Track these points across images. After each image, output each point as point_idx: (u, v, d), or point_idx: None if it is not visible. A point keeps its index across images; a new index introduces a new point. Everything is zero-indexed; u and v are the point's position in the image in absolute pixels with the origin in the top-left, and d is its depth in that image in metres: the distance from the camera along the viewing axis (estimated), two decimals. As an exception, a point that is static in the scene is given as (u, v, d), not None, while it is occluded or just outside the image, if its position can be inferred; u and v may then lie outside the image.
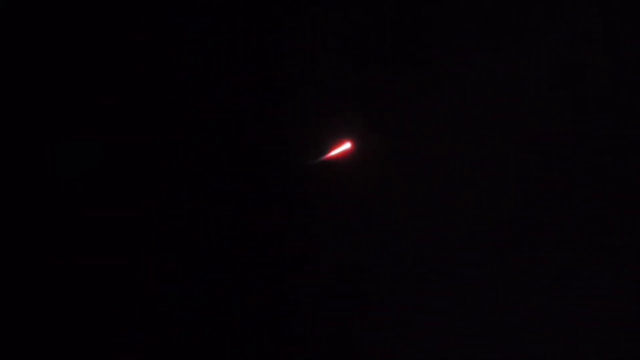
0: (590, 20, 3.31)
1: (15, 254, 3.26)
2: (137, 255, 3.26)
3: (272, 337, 3.24)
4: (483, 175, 3.29)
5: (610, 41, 3.31)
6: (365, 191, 3.30)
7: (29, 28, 3.33)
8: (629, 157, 3.28)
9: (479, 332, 3.23)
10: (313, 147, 3.30)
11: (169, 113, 3.33)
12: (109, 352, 3.22)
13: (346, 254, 3.29)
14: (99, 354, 3.22)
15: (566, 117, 3.30)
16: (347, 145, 3.28)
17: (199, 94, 3.34)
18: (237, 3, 3.34)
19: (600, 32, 3.31)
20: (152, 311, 3.24)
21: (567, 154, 3.29)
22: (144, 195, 3.29)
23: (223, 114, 3.33)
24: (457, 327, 3.24)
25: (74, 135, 3.30)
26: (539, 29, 3.32)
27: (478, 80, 3.31)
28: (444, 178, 3.29)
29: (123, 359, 3.21)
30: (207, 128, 3.32)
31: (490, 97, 3.31)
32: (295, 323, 3.25)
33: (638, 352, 3.18)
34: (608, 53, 3.30)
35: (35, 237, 3.27)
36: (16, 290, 3.24)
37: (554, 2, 3.32)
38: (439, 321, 3.25)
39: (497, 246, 3.27)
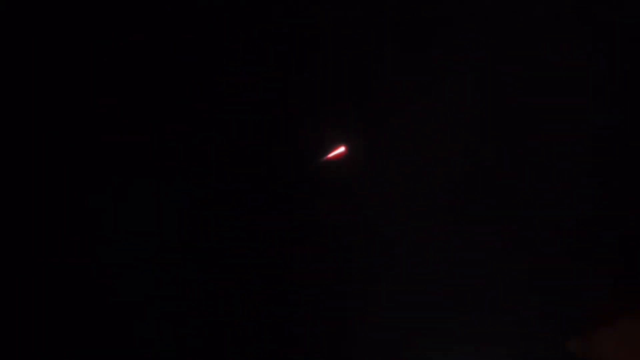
0: (590, 20, 3.32)
1: (14, 254, 3.26)
2: (138, 255, 3.27)
3: (272, 337, 3.24)
4: (482, 175, 3.30)
5: (610, 41, 3.31)
6: (360, 192, 3.30)
7: (29, 28, 3.33)
8: (629, 158, 3.28)
9: (479, 332, 3.23)
10: (311, 148, 3.30)
11: (168, 114, 3.33)
12: (109, 352, 3.22)
13: (344, 254, 3.29)
14: (98, 354, 3.22)
15: (566, 117, 3.30)
16: (342, 149, 3.29)
17: (197, 95, 3.34)
18: (237, 3, 3.35)
19: (599, 32, 3.31)
20: (152, 311, 3.25)
21: (567, 154, 3.30)
22: (144, 195, 3.30)
23: (222, 115, 3.33)
24: (458, 327, 3.24)
25: (74, 135, 3.31)
26: (539, 29, 3.32)
27: (477, 80, 3.31)
28: (442, 178, 3.30)
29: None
30: (206, 129, 3.32)
31: (489, 98, 3.31)
32: (295, 323, 3.25)
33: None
34: (608, 53, 3.31)
35: (35, 238, 3.27)
36: (15, 290, 3.24)
37: (554, 2, 3.32)
38: (440, 321, 3.25)
39: (497, 246, 3.27)
